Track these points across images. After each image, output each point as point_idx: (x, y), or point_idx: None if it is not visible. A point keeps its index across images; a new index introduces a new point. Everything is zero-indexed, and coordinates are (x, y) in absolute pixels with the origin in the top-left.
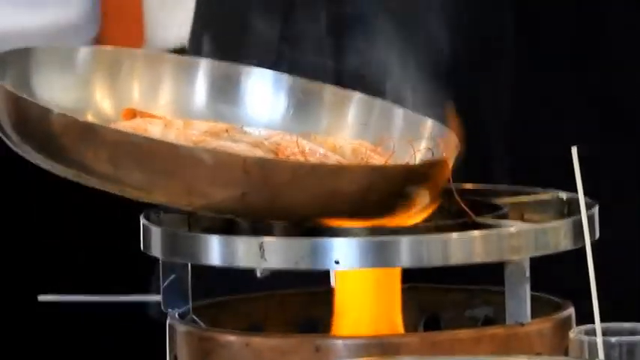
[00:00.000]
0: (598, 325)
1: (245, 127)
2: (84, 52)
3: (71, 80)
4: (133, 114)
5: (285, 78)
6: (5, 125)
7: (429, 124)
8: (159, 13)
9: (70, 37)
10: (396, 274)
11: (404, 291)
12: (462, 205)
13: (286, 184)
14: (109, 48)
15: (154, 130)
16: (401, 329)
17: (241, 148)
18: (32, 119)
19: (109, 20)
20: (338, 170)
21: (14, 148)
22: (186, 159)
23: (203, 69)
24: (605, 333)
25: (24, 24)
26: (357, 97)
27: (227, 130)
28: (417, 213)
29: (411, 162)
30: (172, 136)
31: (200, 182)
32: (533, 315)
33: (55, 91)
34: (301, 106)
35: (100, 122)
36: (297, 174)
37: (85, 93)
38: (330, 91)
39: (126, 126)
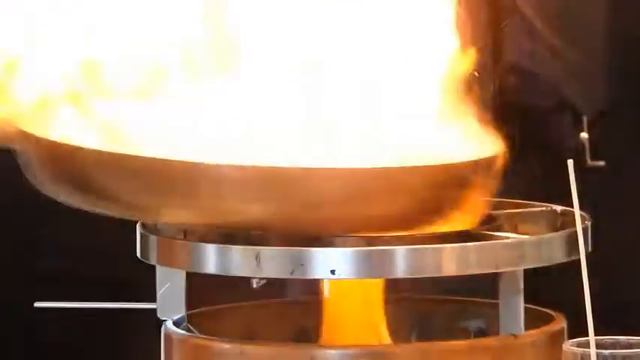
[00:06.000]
0: (592, 337)
1: None
2: None
3: None
4: None
5: None
6: (37, 172)
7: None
8: None
9: None
10: (379, 284)
11: (397, 302)
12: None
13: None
14: None
15: None
16: (387, 338)
17: None
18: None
19: None
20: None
21: (42, 190)
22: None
23: None
24: (599, 346)
25: None
26: None
27: None
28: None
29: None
30: None
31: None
32: (526, 327)
33: None
34: None
35: None
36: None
37: None
38: None
39: None
